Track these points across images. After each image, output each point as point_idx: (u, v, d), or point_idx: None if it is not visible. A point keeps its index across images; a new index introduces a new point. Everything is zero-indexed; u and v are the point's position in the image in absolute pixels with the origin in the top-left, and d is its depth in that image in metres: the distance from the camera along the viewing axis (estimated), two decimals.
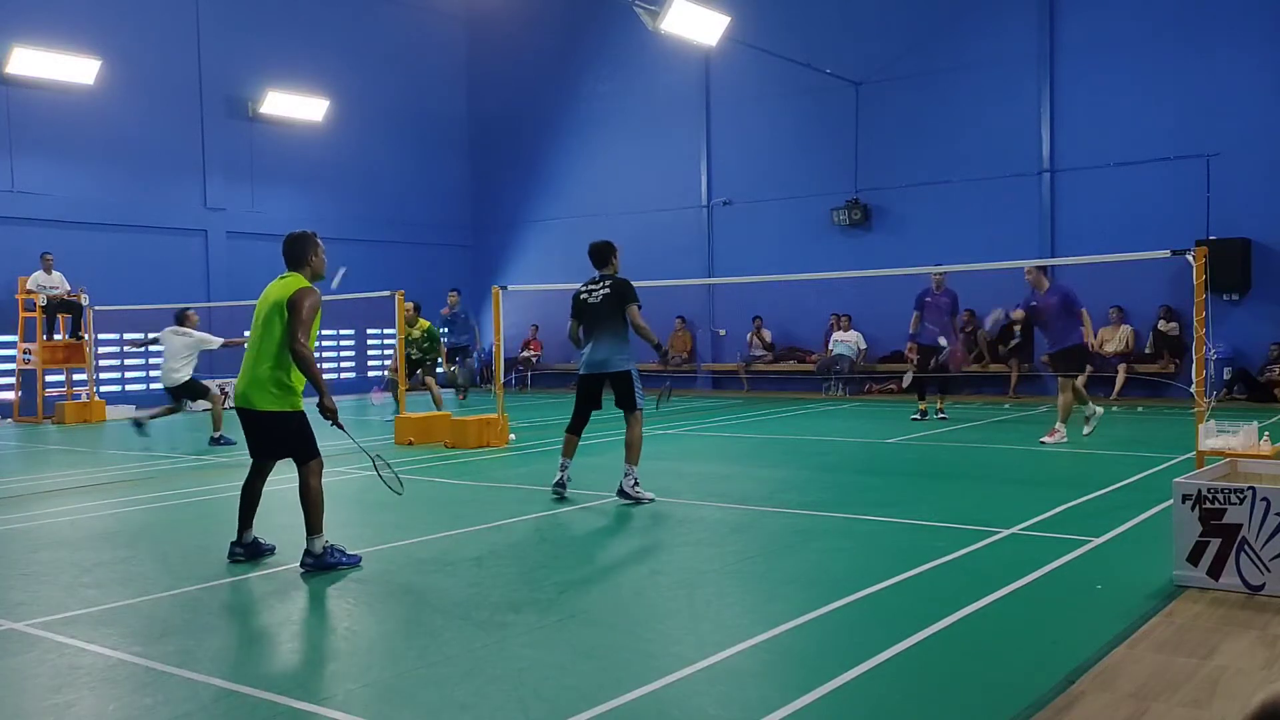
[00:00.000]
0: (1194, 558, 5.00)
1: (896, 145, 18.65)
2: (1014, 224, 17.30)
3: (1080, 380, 11.42)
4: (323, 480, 5.90)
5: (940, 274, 13.21)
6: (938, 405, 13.69)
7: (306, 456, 5.85)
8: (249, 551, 6.07)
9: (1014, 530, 6.50)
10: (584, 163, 22.64)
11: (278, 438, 5.89)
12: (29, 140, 17.54)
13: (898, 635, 4.35)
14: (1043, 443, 10.95)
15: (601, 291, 7.88)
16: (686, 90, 21.02)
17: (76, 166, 18.20)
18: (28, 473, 10.64)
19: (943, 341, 13.22)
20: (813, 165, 19.50)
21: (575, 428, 8.11)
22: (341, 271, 9.96)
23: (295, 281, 5.89)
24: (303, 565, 5.75)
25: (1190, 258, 8.28)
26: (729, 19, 16.61)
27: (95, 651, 4.46)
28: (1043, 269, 11.42)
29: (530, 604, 5.04)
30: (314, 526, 5.76)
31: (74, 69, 17.53)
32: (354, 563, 5.84)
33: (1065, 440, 10.96)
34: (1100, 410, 11.34)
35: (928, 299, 13.19)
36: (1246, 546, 4.88)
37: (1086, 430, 11.13)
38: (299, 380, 5.83)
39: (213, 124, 19.92)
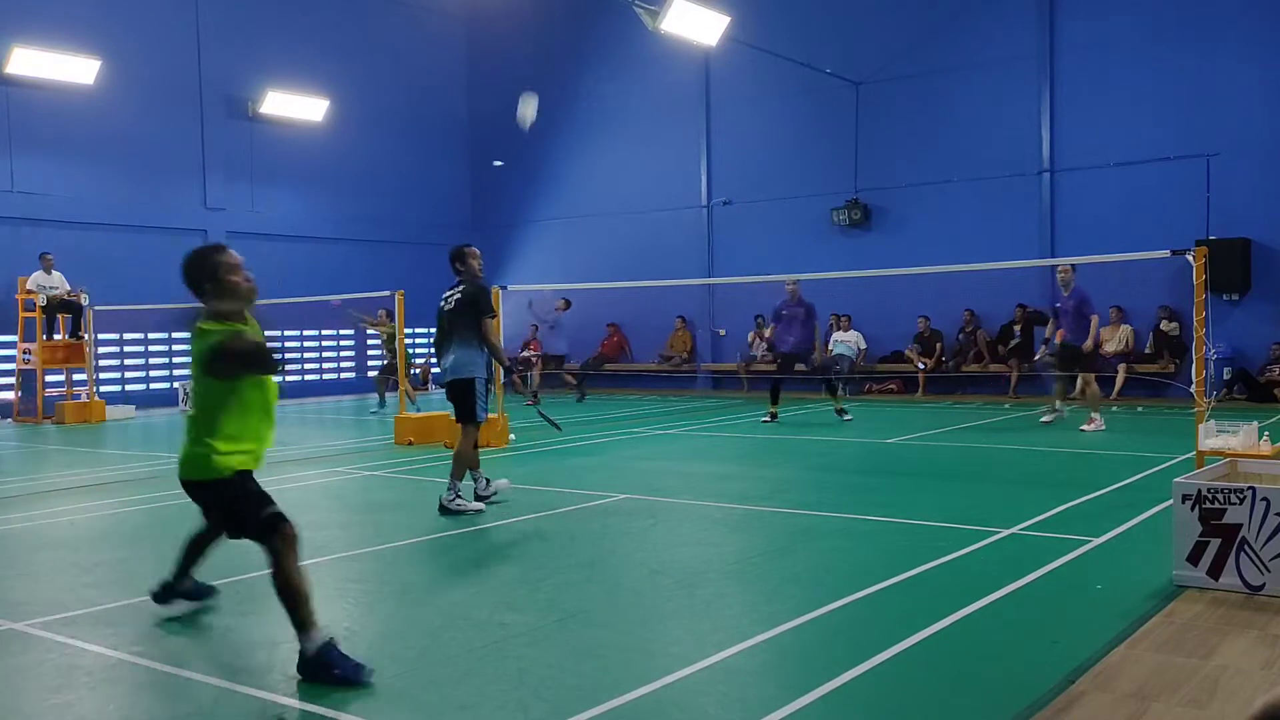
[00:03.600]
0: (1194, 558, 5.00)
1: (896, 145, 18.65)
2: (1014, 224, 17.30)
3: (1079, 384, 12.64)
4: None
5: (794, 283, 13.71)
6: (836, 406, 13.88)
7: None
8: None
9: (1014, 530, 6.49)
10: (584, 163, 22.64)
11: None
12: (29, 140, 17.53)
13: (898, 635, 4.35)
14: (1082, 430, 11.78)
15: (455, 297, 7.55)
16: (686, 90, 21.02)
17: (76, 166, 18.19)
18: (28, 473, 10.64)
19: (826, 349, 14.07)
20: (812, 165, 19.49)
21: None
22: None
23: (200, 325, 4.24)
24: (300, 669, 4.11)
25: (1190, 258, 8.28)
26: (729, 19, 16.60)
27: (95, 651, 4.46)
28: (1073, 268, 12.23)
29: (530, 604, 5.04)
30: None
31: (74, 69, 17.52)
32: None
33: (1103, 428, 11.79)
34: (1064, 413, 12.75)
35: (784, 311, 13.77)
36: (1246, 546, 4.88)
37: (1045, 419, 12.61)
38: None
39: (213, 124, 19.91)
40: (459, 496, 7.40)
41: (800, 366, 13.92)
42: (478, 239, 24.53)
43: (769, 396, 13.98)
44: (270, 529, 4.18)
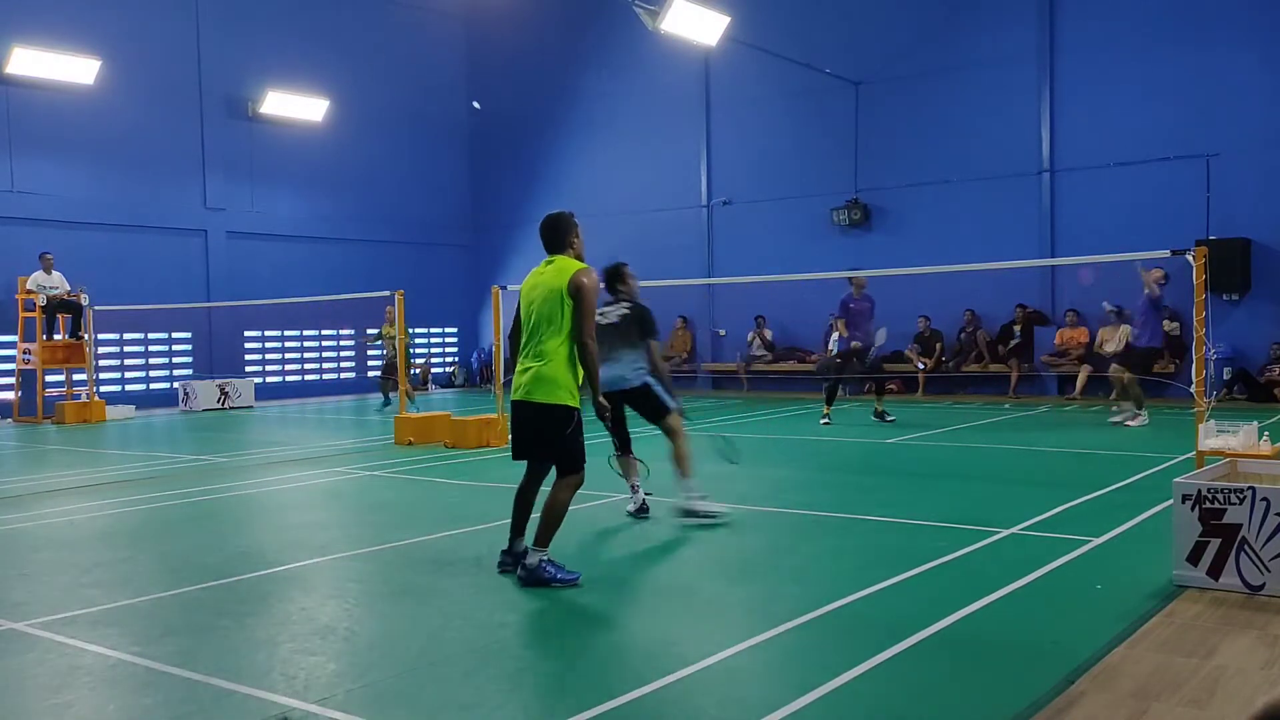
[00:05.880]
0: (1194, 558, 5.00)
1: (896, 145, 18.64)
2: (1014, 224, 17.30)
3: (1126, 378, 12.80)
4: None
5: (861, 279, 13.50)
6: (877, 406, 13.74)
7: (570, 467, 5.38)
8: (516, 560, 5.52)
9: (1014, 530, 6.49)
10: (584, 163, 22.63)
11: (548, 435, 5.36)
12: (29, 140, 17.53)
13: (898, 635, 4.35)
14: (1116, 422, 12.39)
15: (620, 313, 7.20)
16: (686, 90, 21.02)
17: (76, 166, 18.19)
18: (28, 473, 10.64)
19: (879, 338, 13.63)
20: (812, 165, 19.49)
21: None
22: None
23: (571, 264, 5.31)
24: (520, 577, 5.25)
25: (1190, 258, 8.28)
26: (729, 19, 16.59)
27: (95, 651, 4.46)
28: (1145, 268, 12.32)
29: (530, 604, 5.04)
30: (542, 539, 5.28)
31: (74, 69, 17.52)
32: (572, 580, 5.24)
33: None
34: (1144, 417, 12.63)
35: (851, 305, 13.43)
36: (1246, 546, 4.88)
37: (1131, 422, 12.48)
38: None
39: (213, 124, 19.91)
40: (695, 494, 7.07)
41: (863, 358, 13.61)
42: (478, 239, 24.59)
43: (824, 398, 13.65)
44: (576, 468, 5.34)
